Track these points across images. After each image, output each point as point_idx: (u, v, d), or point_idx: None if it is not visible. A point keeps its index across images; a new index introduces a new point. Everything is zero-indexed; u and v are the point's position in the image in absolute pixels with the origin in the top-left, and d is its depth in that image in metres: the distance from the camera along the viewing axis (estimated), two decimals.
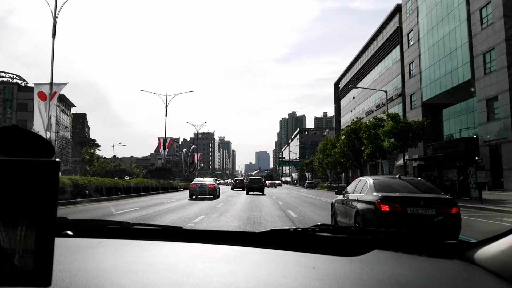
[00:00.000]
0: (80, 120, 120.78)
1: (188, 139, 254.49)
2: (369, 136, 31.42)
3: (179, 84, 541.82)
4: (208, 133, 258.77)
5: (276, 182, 73.02)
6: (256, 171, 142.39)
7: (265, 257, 1.19)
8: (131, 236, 1.44)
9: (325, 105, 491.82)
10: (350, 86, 63.98)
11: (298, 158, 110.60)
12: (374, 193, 7.31)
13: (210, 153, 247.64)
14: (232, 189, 47.32)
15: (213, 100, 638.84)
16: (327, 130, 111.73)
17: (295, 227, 1.41)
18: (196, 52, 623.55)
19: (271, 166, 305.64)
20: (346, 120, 75.88)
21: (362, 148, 34.41)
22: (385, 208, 6.85)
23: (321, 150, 53.81)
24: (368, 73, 62.14)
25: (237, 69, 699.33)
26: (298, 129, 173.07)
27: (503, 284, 0.95)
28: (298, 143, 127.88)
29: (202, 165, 59.12)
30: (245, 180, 55.61)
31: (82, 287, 0.88)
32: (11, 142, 0.72)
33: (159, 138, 50.58)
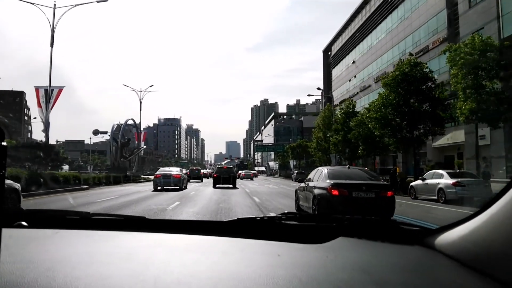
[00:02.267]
0: (16, 100, 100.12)
1: (152, 125, 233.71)
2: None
3: (147, 74, 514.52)
4: (174, 118, 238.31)
5: (252, 172, 56.01)
6: (227, 161, 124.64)
7: (231, 246, 1.18)
8: (91, 226, 1.37)
9: (296, 95, 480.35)
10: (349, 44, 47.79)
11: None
12: (327, 180, 8.94)
13: (176, 141, 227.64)
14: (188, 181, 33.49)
15: (182, 88, 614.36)
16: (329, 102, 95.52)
17: (262, 216, 1.41)
18: (165, 41, 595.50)
19: (242, 155, 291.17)
20: (340, 93, 60.04)
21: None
22: (335, 192, 8.53)
23: (321, 126, 37.50)
24: (378, 24, 46.19)
25: (208, 58, 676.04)
26: (272, 114, 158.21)
27: (463, 269, 0.97)
28: (272, 130, 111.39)
29: (144, 146, 40.99)
30: (207, 171, 41.20)
31: (33, 280, 0.83)
32: None
33: (36, 88, 29.18)
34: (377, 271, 0.99)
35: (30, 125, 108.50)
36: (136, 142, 41.62)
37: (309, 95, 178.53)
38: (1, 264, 0.68)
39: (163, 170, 24.34)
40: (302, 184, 11.00)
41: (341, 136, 31.88)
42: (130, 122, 44.66)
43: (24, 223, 1.33)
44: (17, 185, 10.07)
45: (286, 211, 1.51)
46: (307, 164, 61.25)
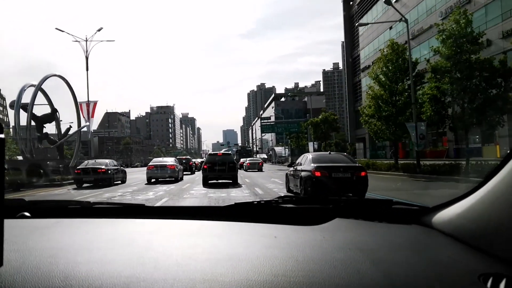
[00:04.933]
0: None
1: (144, 114, 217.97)
2: None
3: (142, 63, 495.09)
4: (167, 106, 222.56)
5: (259, 160, 39.89)
6: (225, 150, 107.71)
7: (228, 230, 1.19)
8: (92, 215, 1.41)
9: (292, 81, 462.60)
10: None
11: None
12: (312, 164, 10.28)
13: (170, 130, 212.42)
14: None
15: (175, 78, 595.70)
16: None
17: (259, 200, 1.42)
18: (159, 28, 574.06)
19: (239, 143, 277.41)
20: (373, 49, 45.39)
21: None
22: (317, 174, 9.85)
23: (384, 78, 22.59)
24: None
25: (202, 46, 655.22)
26: (273, 95, 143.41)
27: (460, 245, 0.99)
28: (273, 114, 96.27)
29: (87, 124, 25.41)
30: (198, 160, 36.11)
31: (35, 266, 0.86)
32: None
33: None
34: (374, 250, 0.99)
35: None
36: (83, 117, 27.18)
37: (299, 90, 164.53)
38: (4, 253, 0.70)
39: (157, 160, 22.26)
40: (291, 169, 12.47)
41: (447, 81, 17.05)
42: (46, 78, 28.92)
43: (26, 214, 1.35)
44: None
45: (282, 194, 1.42)
46: (326, 147, 46.57)
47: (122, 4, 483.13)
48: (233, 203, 1.40)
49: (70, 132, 27.66)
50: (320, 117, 42.26)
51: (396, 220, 1.26)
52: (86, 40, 27.27)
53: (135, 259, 0.91)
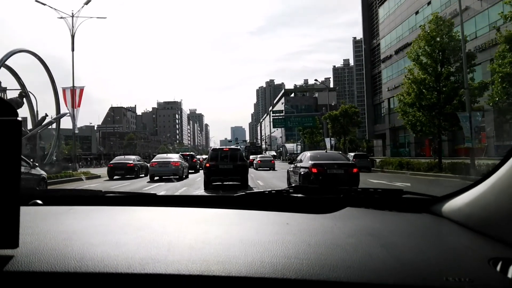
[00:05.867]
0: None
1: (151, 109, 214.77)
2: None
3: (153, 61, 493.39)
4: (174, 102, 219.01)
5: (270, 157, 36.46)
6: (233, 147, 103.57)
7: (240, 217, 1.20)
8: (104, 203, 1.42)
9: (300, 79, 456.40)
10: None
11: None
12: (310, 162, 11.30)
13: (177, 126, 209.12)
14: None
15: (184, 75, 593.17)
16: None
17: (270, 190, 1.45)
18: (168, 24, 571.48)
19: (248, 140, 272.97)
20: (396, 38, 41.27)
21: None
22: (314, 170, 10.86)
23: (428, 60, 18.42)
24: None
25: (211, 43, 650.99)
26: (282, 91, 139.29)
27: (471, 233, 1.00)
28: (283, 109, 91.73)
29: (67, 113, 21.34)
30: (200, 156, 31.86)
31: (51, 249, 0.87)
32: None
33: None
34: (385, 235, 1.01)
35: None
36: (66, 106, 22.90)
37: (308, 85, 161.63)
38: (20, 236, 0.72)
39: (160, 157, 21.08)
40: (292, 165, 13.49)
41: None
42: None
43: (39, 201, 1.36)
44: (44, 174, 12.73)
45: (293, 185, 1.49)
46: (345, 144, 42.35)
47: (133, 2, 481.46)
48: (244, 192, 1.41)
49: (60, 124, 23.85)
50: (339, 109, 38.06)
51: (406, 209, 1.27)
52: (72, 16, 23.38)
53: (149, 242, 0.92)
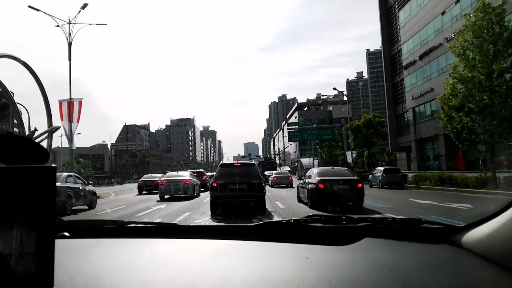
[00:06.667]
0: None
1: (164, 127, 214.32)
2: None
3: (166, 79, 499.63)
4: (187, 119, 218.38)
5: (287, 173, 32.79)
6: (246, 161, 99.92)
7: (259, 250, 1.21)
8: (127, 234, 1.47)
9: (312, 93, 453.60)
10: None
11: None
12: (317, 178, 11.93)
13: (190, 142, 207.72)
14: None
15: (197, 92, 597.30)
16: None
17: (287, 219, 1.44)
18: (179, 41, 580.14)
19: (261, 155, 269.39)
20: (419, 42, 38.45)
21: None
22: (321, 186, 11.42)
23: (480, 54, 15.35)
24: None
25: (222, 60, 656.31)
26: (296, 105, 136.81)
27: (492, 266, 0.98)
28: (297, 122, 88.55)
29: (59, 126, 18.67)
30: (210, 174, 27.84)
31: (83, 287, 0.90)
32: (6, 149, 0.71)
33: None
34: (405, 270, 1.00)
35: None
36: (62, 120, 20.26)
37: (323, 96, 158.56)
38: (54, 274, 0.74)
39: (170, 175, 20.48)
40: (301, 181, 14.49)
41: None
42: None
43: (66, 234, 1.40)
44: (95, 190, 16.00)
45: (311, 214, 1.51)
46: (369, 157, 38.98)
47: (144, 18, 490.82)
48: (262, 222, 1.40)
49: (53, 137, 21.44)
50: (362, 120, 34.92)
51: (426, 239, 1.25)
52: (69, 23, 21.19)
53: (174, 280, 0.95)
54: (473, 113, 15.57)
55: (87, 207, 14.68)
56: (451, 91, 16.49)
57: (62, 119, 20.93)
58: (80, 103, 21.66)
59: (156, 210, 13.14)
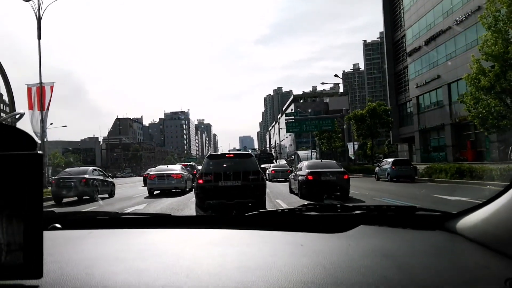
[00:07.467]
0: None
1: (157, 120, 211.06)
2: None
3: (159, 72, 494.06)
4: (182, 112, 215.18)
5: (286, 165, 30.62)
6: (242, 152, 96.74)
7: (254, 238, 1.21)
8: (120, 225, 1.44)
9: (307, 86, 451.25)
10: None
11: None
12: (306, 170, 12.69)
13: (185, 136, 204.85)
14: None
15: (191, 85, 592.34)
16: None
17: (282, 208, 1.43)
18: (173, 34, 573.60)
19: (257, 148, 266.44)
20: (425, 26, 36.16)
21: None
22: (310, 178, 12.23)
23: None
24: None
25: (217, 52, 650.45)
26: (292, 97, 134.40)
27: (486, 251, 0.99)
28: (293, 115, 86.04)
29: (22, 112, 16.13)
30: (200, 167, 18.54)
31: (74, 278, 0.89)
32: None
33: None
34: (400, 256, 1.01)
35: None
36: (32, 109, 17.83)
37: (323, 83, 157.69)
38: (43, 264, 0.74)
39: (160, 169, 19.35)
40: (293, 174, 15.47)
41: None
42: None
43: (58, 225, 1.37)
44: (113, 181, 17.61)
45: (306, 203, 1.47)
46: (373, 148, 36.82)
47: (136, 10, 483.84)
48: (257, 211, 1.38)
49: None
50: (365, 108, 32.63)
51: (420, 226, 1.26)
52: None
53: (168, 268, 0.93)
54: (504, 95, 13.37)
55: (107, 196, 16.52)
56: (476, 71, 14.26)
57: (30, 108, 18.51)
58: (51, 88, 19.19)
59: (132, 212, 10.89)
